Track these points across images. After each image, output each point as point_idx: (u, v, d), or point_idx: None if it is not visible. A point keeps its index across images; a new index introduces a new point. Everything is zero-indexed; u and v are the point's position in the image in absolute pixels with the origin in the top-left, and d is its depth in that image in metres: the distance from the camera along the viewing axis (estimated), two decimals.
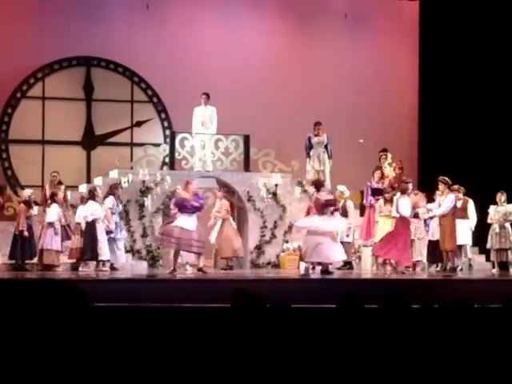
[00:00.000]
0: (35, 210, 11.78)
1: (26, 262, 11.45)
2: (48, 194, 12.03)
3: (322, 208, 10.71)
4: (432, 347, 3.89)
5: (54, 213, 11.27)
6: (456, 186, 12.17)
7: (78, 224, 11.48)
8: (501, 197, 12.17)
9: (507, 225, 12.12)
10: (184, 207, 10.69)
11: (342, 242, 11.85)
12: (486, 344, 3.97)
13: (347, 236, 12.38)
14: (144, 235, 12.64)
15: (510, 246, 12.10)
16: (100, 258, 11.27)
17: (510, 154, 14.51)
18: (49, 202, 11.59)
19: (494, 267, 12.22)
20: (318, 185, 11.19)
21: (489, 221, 12.22)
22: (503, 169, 14.08)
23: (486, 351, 3.90)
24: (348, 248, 12.20)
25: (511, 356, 3.87)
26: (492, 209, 12.19)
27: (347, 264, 12.38)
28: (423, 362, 3.79)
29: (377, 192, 12.72)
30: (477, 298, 4.72)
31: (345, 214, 12.33)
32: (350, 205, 12.46)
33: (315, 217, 10.75)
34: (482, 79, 14.90)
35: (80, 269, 11.28)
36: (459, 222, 12.10)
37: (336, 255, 10.77)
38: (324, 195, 10.93)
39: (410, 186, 11.69)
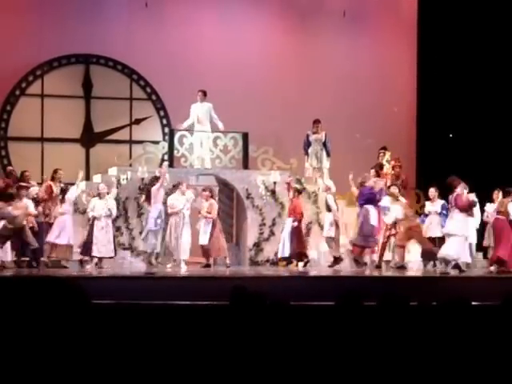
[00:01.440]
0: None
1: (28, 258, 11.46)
2: (56, 190, 12.06)
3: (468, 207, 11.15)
4: (430, 345, 3.90)
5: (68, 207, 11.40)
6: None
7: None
8: (497, 194, 12.15)
9: None
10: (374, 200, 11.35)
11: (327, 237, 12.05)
12: (484, 342, 3.98)
13: (330, 228, 12.36)
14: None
15: None
16: (93, 254, 11.29)
17: (508, 151, 14.52)
18: (60, 197, 11.72)
19: (491, 265, 12.22)
20: (456, 183, 11.34)
21: (485, 218, 12.19)
22: (501, 166, 14.09)
23: (484, 349, 3.92)
24: (334, 243, 12.25)
25: (509, 353, 3.88)
26: (488, 207, 12.17)
27: (337, 259, 12.35)
28: (421, 360, 3.80)
29: None
30: (474, 295, 4.74)
31: (328, 208, 12.40)
32: (329, 199, 12.45)
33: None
34: (481, 77, 14.91)
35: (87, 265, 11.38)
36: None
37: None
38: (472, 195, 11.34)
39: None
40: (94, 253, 11.27)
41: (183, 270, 11.34)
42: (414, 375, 3.74)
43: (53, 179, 12.33)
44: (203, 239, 12.06)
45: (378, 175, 13.11)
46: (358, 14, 15.96)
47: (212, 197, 12.31)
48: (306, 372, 3.65)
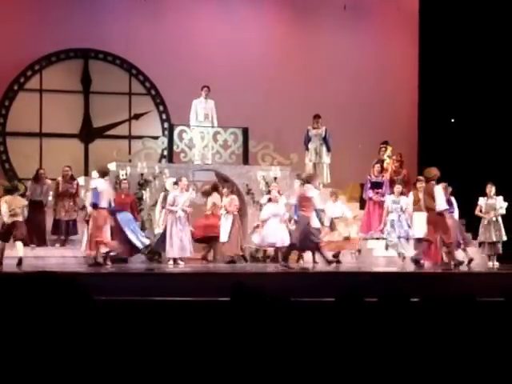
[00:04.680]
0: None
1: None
2: (61, 188, 12.05)
3: None
4: (432, 341, 3.85)
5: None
6: (421, 178, 12.09)
7: None
8: (490, 189, 12.03)
9: (499, 217, 11.99)
10: None
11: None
12: (488, 338, 3.92)
13: None
14: (142, 228, 12.55)
15: (500, 238, 11.96)
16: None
17: (509, 146, 14.47)
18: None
19: (489, 260, 12.11)
20: None
21: (476, 213, 12.02)
22: (503, 160, 14.01)
23: (488, 346, 3.86)
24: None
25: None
26: (482, 201, 12.04)
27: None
28: (423, 356, 3.75)
29: (376, 185, 12.68)
30: (477, 291, 4.67)
31: None
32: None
33: None
34: (482, 71, 14.86)
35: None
36: (417, 215, 11.90)
37: None
38: None
39: None
40: (101, 249, 11.16)
41: (180, 268, 11.26)
42: (417, 372, 3.69)
43: (63, 176, 12.35)
44: (223, 236, 12.04)
45: (381, 170, 13.08)
46: (358, 7, 15.91)
47: (232, 192, 12.27)
48: (307, 368, 3.60)
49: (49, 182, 12.41)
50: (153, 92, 15.53)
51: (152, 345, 3.51)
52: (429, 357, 3.74)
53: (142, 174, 12.73)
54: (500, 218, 11.99)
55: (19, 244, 10.51)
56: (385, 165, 13.41)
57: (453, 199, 11.79)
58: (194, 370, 3.47)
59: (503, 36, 14.80)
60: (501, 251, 12.01)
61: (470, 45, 15.00)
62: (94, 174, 11.53)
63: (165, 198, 11.83)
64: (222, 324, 3.91)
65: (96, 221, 10.66)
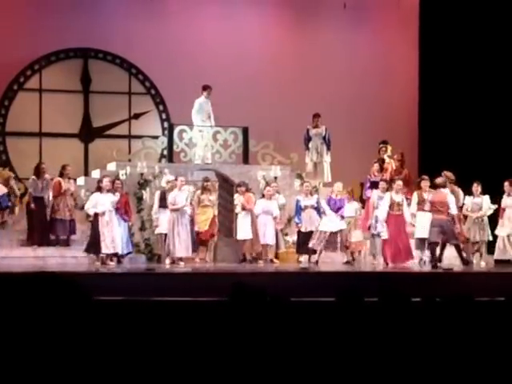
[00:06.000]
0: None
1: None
2: (64, 187, 12.04)
3: None
4: (432, 341, 3.85)
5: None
6: (426, 177, 12.06)
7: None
8: (477, 188, 11.96)
9: (485, 218, 11.93)
10: None
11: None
12: (488, 338, 3.93)
13: None
14: (142, 228, 12.56)
15: (483, 238, 11.92)
16: (103, 252, 11.17)
17: (509, 143, 14.47)
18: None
19: (473, 257, 12.02)
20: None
21: (464, 212, 11.94)
22: (504, 158, 14.00)
23: (488, 345, 3.86)
24: None
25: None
26: (468, 200, 11.97)
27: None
28: (423, 356, 3.75)
29: (376, 185, 12.66)
30: (476, 291, 4.67)
31: None
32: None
33: None
34: (482, 70, 14.86)
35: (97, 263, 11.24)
36: (421, 215, 11.82)
37: None
38: None
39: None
40: (103, 250, 11.14)
41: (180, 268, 11.26)
42: (417, 372, 3.69)
43: (61, 175, 12.29)
44: (244, 234, 12.01)
45: (381, 169, 13.06)
46: (358, 6, 15.90)
47: (247, 191, 12.26)
48: (307, 369, 3.60)
49: (48, 177, 12.31)
50: (153, 91, 15.52)
51: (152, 345, 3.51)
52: (429, 356, 3.74)
53: (141, 174, 12.72)
54: (486, 219, 11.92)
55: None
56: (385, 164, 13.38)
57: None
58: (194, 370, 3.47)
59: (503, 35, 14.80)
60: (483, 251, 11.90)
61: (471, 44, 15.00)
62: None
63: (163, 197, 11.83)
64: (222, 324, 3.91)
65: None
